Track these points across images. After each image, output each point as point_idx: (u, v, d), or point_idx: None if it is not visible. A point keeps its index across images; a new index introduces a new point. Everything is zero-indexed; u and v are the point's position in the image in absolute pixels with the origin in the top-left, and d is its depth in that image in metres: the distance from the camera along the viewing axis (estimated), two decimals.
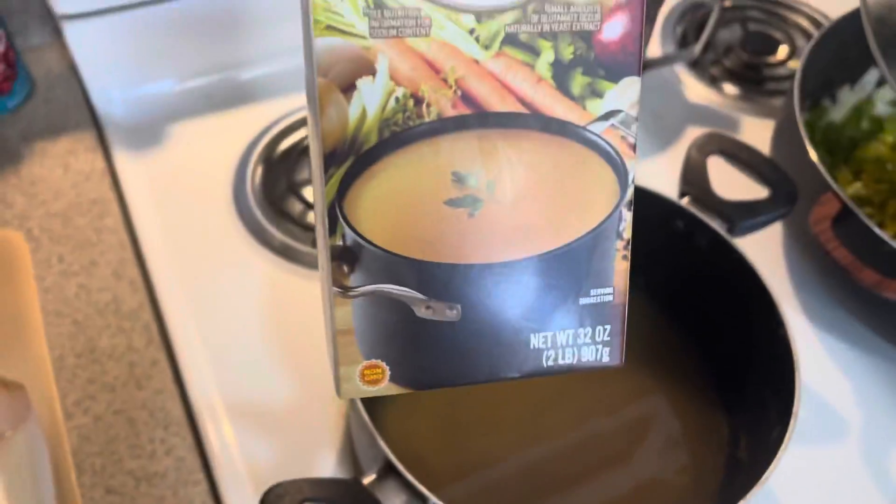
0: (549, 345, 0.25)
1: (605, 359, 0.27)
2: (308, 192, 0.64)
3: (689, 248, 0.50)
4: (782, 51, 0.77)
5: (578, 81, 0.23)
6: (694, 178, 0.51)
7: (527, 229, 0.24)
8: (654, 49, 0.75)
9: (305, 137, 0.67)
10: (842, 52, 0.65)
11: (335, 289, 0.24)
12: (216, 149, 0.66)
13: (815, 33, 0.72)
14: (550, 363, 0.26)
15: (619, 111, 0.24)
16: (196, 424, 0.51)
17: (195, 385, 0.52)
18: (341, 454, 0.50)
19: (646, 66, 0.70)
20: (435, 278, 0.24)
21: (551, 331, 0.25)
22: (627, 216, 0.26)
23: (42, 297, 0.56)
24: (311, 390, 0.53)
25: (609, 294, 0.26)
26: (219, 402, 0.52)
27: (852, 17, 0.63)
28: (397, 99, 0.22)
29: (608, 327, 0.26)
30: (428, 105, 0.22)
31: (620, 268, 0.26)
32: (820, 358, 0.56)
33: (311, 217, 0.63)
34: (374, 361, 0.25)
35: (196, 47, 0.68)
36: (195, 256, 0.59)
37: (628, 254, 0.26)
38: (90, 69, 0.66)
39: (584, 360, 0.26)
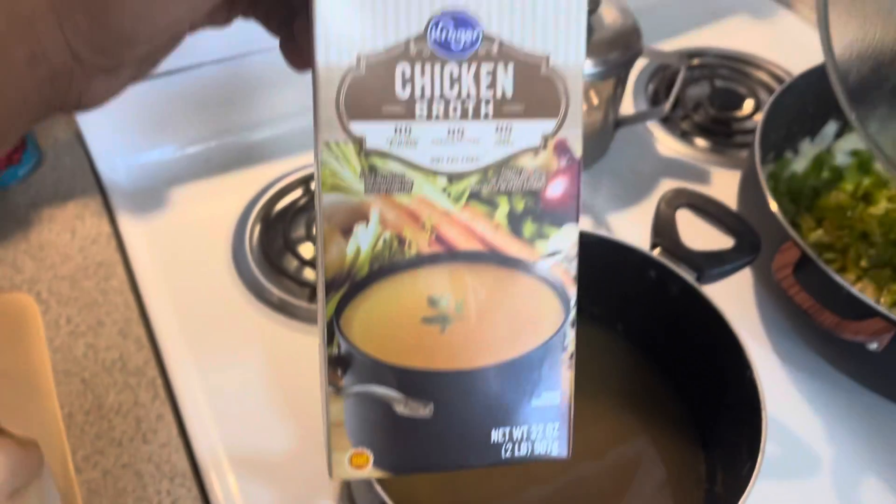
0: (507, 439, 0.30)
1: (555, 452, 0.31)
2: (303, 249, 0.68)
3: (663, 296, 0.54)
4: (748, 105, 0.82)
5: (528, 227, 0.30)
6: (664, 230, 0.55)
7: (488, 343, 0.29)
8: (628, 107, 0.80)
9: (300, 197, 0.71)
10: (800, 107, 0.69)
11: (330, 388, 0.29)
12: (216, 210, 0.70)
13: (777, 88, 0.77)
14: (508, 455, 0.31)
15: (561, 250, 0.30)
16: (201, 476, 0.54)
17: (199, 438, 0.55)
18: (340, 502, 0.53)
19: (620, 123, 0.75)
20: (412, 381, 0.29)
21: (509, 427, 0.30)
22: (571, 333, 0.31)
23: (52, 357, 0.58)
24: (311, 441, 0.55)
25: (557, 396, 0.31)
26: (222, 454, 0.54)
27: (808, 75, 0.68)
28: (385, 240, 0.29)
29: (557, 424, 0.31)
30: (409, 244, 0.29)
31: (566, 375, 0.31)
32: (791, 396, 0.60)
33: (305, 273, 0.66)
34: (360, 449, 0.30)
35: (195, 115, 0.73)
36: (197, 314, 0.62)
37: (572, 363, 0.31)
38: (95, 138, 0.70)
39: (536, 452, 0.31)
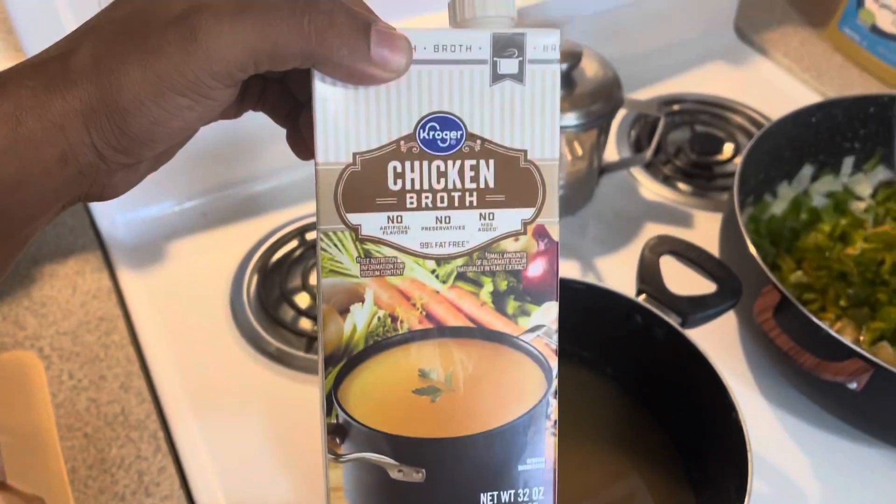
0: (496, 502, 0.33)
1: None
2: (299, 299, 0.69)
3: (649, 341, 0.56)
4: (727, 149, 0.85)
5: (511, 305, 0.32)
6: (649, 276, 0.57)
7: (476, 412, 0.32)
8: (612, 154, 0.83)
9: (296, 248, 0.73)
10: (777, 151, 0.72)
11: (329, 455, 0.32)
12: (214, 262, 0.71)
13: (756, 133, 0.80)
14: None
15: (542, 325, 0.33)
16: None
17: (201, 490, 0.56)
18: None
19: (604, 170, 0.77)
20: (405, 448, 0.32)
21: (497, 491, 0.33)
22: (553, 402, 0.33)
23: (55, 412, 0.60)
24: (310, 488, 0.57)
25: (542, 462, 0.33)
26: None
27: (783, 122, 0.71)
28: (379, 318, 0.31)
29: (542, 488, 0.33)
30: (401, 321, 0.31)
31: (550, 441, 0.33)
32: (778, 435, 0.61)
33: (301, 323, 0.68)
34: None
35: (192, 170, 0.75)
36: (197, 366, 0.64)
37: (556, 431, 0.33)
38: None
39: None
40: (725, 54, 0.96)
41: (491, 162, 0.31)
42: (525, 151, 0.31)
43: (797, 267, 0.68)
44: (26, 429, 0.56)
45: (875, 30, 0.90)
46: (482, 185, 0.31)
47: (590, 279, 0.71)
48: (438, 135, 0.31)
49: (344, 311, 0.31)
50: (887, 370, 0.51)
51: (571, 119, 0.68)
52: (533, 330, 0.32)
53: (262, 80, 0.34)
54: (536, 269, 0.32)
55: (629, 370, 0.59)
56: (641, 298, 0.56)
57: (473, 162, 0.31)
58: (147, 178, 0.68)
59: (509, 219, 0.32)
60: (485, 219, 0.31)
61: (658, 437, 0.58)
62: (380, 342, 0.31)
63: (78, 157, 0.27)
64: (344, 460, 0.32)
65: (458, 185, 0.31)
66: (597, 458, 0.57)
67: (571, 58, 0.68)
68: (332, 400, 0.31)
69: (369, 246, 0.31)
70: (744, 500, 0.46)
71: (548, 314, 0.32)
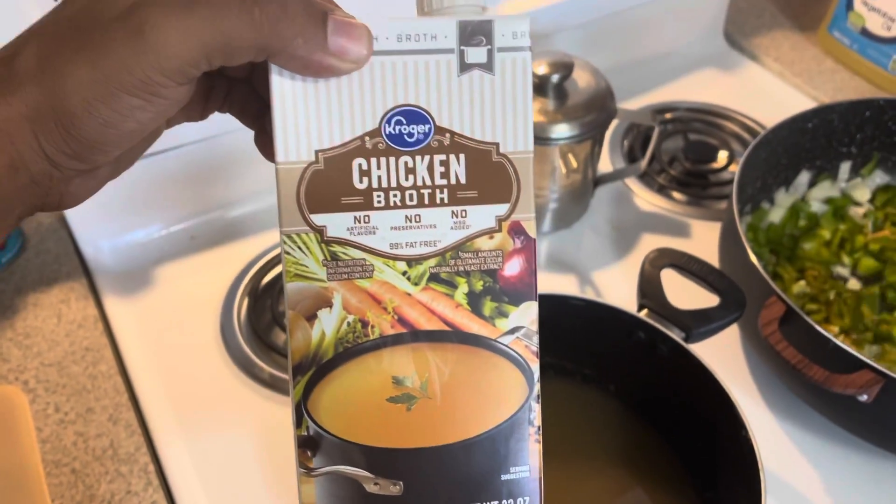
0: None
1: None
2: None
3: (653, 356, 0.54)
4: (722, 157, 0.84)
5: (488, 306, 0.31)
6: (650, 290, 0.55)
7: (455, 420, 0.30)
8: (606, 165, 0.82)
9: None
10: (773, 159, 0.71)
11: (301, 469, 0.30)
12: (203, 286, 0.70)
13: (749, 139, 0.79)
14: None
15: (522, 327, 0.31)
16: None
17: None
18: None
19: (599, 181, 0.76)
20: (380, 460, 0.30)
21: (480, 502, 0.31)
22: (536, 407, 0.31)
23: (41, 448, 0.57)
24: None
25: (526, 471, 0.31)
26: None
27: (779, 128, 0.69)
28: (348, 323, 0.30)
29: (527, 498, 0.31)
30: (372, 326, 0.30)
31: (534, 449, 0.31)
32: (788, 450, 0.60)
33: None
34: None
35: (178, 193, 0.73)
36: (188, 395, 0.62)
37: (540, 438, 0.31)
38: (79, 221, 0.70)
39: None
40: (716, 61, 0.95)
41: (461, 156, 0.30)
42: (497, 144, 0.30)
43: (799, 276, 0.67)
44: (10, 466, 0.54)
45: (865, 33, 0.90)
46: (453, 182, 0.30)
47: (588, 293, 0.70)
48: (405, 129, 0.29)
49: (311, 318, 0.29)
50: None
51: (565, 131, 0.67)
52: (512, 332, 0.31)
53: (228, 81, 0.32)
54: (513, 267, 0.31)
55: (633, 387, 0.58)
56: (643, 314, 0.55)
57: (443, 157, 0.29)
58: (132, 201, 0.66)
59: (483, 216, 0.30)
60: (457, 216, 0.30)
61: (664, 455, 0.56)
62: (350, 349, 0.30)
63: (28, 165, 0.26)
64: (316, 474, 0.30)
65: (428, 182, 0.29)
66: (601, 474, 0.56)
67: (563, 69, 0.67)
68: (301, 411, 0.30)
69: (336, 248, 0.29)
70: None
71: (527, 315, 0.31)
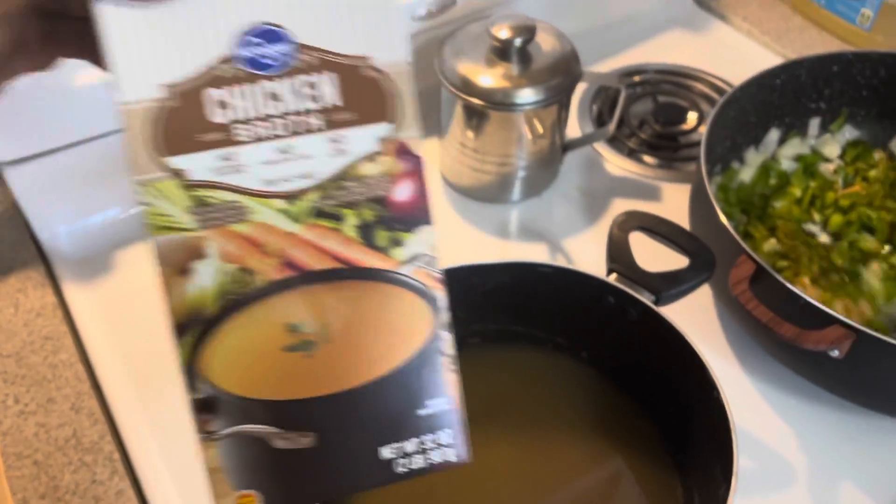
0: (399, 454, 0.29)
1: (453, 458, 0.30)
2: None
3: (624, 321, 0.53)
4: (691, 118, 0.82)
5: (381, 236, 0.28)
6: (618, 254, 0.54)
7: (360, 360, 0.28)
8: (574, 130, 0.80)
9: None
10: (742, 117, 0.70)
11: (200, 435, 0.28)
12: None
13: (718, 99, 0.78)
14: (403, 470, 0.29)
15: (422, 254, 0.29)
16: None
17: None
18: None
19: (567, 147, 0.75)
20: (285, 413, 0.28)
21: (399, 442, 0.29)
22: (447, 336, 0.29)
23: (1, 441, 0.56)
24: None
25: (444, 403, 0.29)
26: None
27: (748, 86, 0.68)
28: (228, 273, 0.27)
29: (450, 431, 0.30)
30: (256, 273, 0.27)
31: (450, 379, 0.29)
32: (760, 408, 0.59)
33: None
34: (245, 492, 0.28)
35: None
36: (152, 380, 0.60)
37: (456, 367, 0.29)
38: (33, 207, 0.68)
39: (434, 461, 0.30)
40: (684, 22, 0.94)
41: (333, 76, 0.27)
42: (367, 58, 0.27)
43: (770, 234, 0.66)
44: None
45: None
46: (327, 105, 0.27)
47: (559, 261, 0.69)
48: (262, 51, 0.26)
49: (185, 272, 0.27)
50: (869, 335, 0.49)
51: (529, 96, 0.65)
52: (411, 261, 0.29)
53: (78, 23, 0.29)
54: (403, 191, 0.28)
55: (605, 354, 0.57)
56: (612, 278, 0.54)
57: (311, 78, 0.27)
58: (88, 184, 0.62)
59: (363, 139, 0.27)
60: (334, 143, 0.27)
61: (640, 420, 0.56)
62: (236, 300, 0.27)
63: None
64: (218, 437, 0.28)
65: (298, 108, 0.27)
66: (577, 443, 0.55)
67: (526, 32, 0.65)
68: (192, 373, 0.28)
69: (201, 192, 0.27)
70: (730, 481, 0.44)
71: (425, 241, 0.29)
